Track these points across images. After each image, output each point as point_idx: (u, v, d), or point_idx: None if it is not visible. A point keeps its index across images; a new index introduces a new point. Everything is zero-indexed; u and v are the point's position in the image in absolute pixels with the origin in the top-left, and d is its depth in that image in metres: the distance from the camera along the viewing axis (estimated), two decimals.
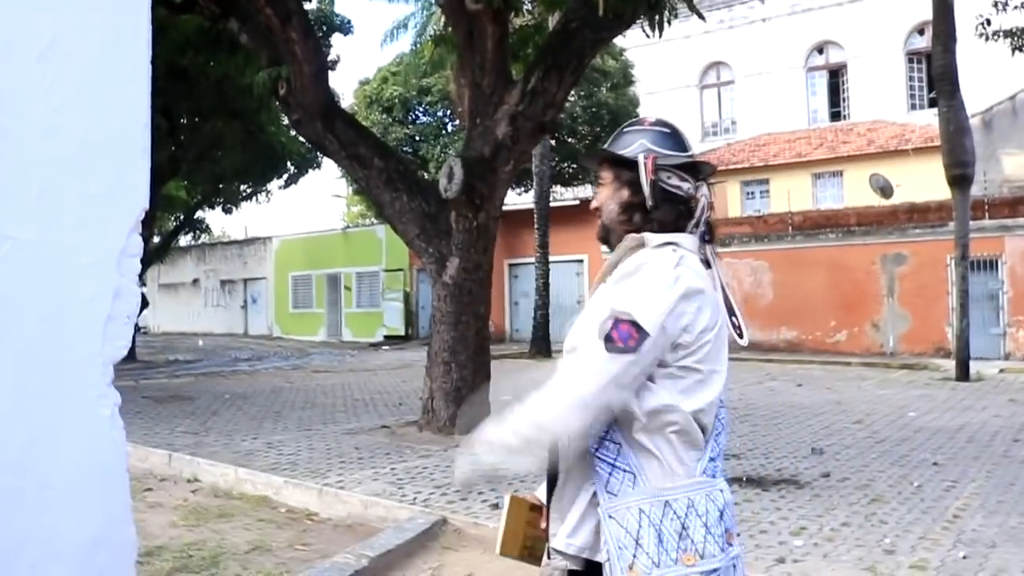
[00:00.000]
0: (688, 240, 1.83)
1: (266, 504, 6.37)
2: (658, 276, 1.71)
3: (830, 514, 5.58)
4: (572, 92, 26.05)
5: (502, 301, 25.16)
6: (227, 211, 24.24)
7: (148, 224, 20.81)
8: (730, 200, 27.13)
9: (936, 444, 8.10)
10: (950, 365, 14.51)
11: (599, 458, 1.76)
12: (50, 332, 2.98)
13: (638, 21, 8.13)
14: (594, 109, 26.32)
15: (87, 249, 3.13)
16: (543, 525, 2.00)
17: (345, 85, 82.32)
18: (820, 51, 32.08)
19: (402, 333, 26.13)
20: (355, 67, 67.02)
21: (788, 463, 7.27)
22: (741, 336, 1.83)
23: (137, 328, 34.21)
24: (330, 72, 20.82)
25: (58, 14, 2.88)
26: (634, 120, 1.99)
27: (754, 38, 32.33)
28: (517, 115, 8.22)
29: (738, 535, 1.87)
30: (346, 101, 26.49)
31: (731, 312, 1.83)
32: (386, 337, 26.41)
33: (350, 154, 8.69)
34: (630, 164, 1.86)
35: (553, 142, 27.63)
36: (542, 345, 19.58)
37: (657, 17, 7.91)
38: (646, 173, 1.82)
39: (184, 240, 35.45)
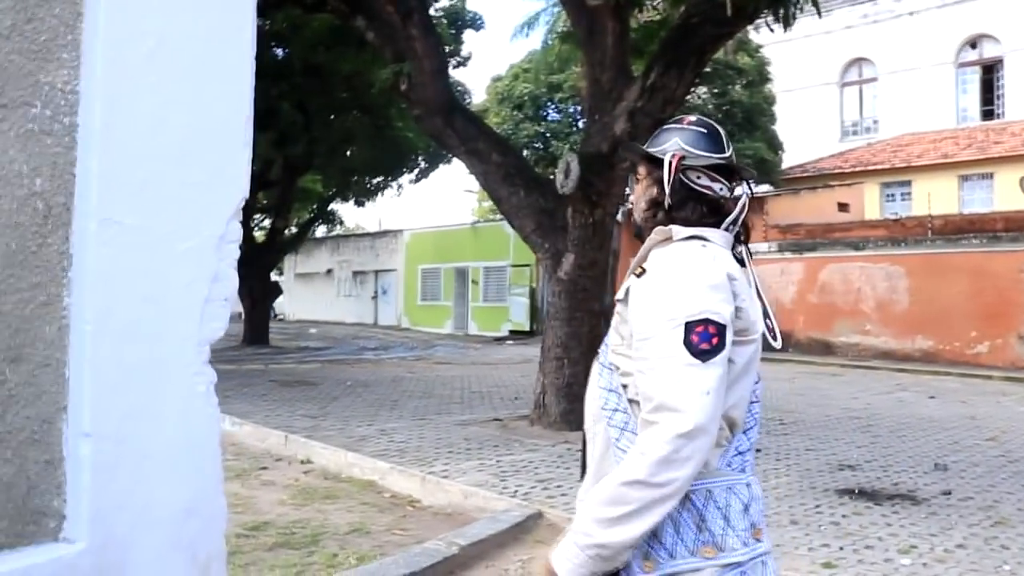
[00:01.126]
0: (717, 235, 1.81)
1: (372, 488, 6.54)
2: (701, 269, 1.68)
3: (946, 534, 5.31)
4: (705, 90, 25.75)
5: None
6: (360, 204, 24.95)
7: (284, 215, 21.68)
8: (868, 202, 26.12)
9: None
10: None
11: (619, 448, 1.73)
12: (150, 312, 3.15)
13: (762, 16, 7.92)
14: (727, 107, 25.72)
15: (187, 235, 3.28)
16: None
17: (477, 81, 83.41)
18: (973, 45, 30.44)
19: (527, 328, 26.29)
20: (488, 63, 67.75)
21: (907, 477, 6.95)
22: (775, 339, 1.81)
23: (273, 314, 35.89)
24: (463, 68, 21.24)
25: (165, 15, 3.04)
26: (675, 119, 1.96)
27: (900, 33, 30.95)
28: (636, 111, 8.15)
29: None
30: (478, 97, 26.84)
31: (764, 314, 1.80)
32: (511, 332, 26.63)
33: (469, 149, 8.82)
34: (662, 162, 1.85)
35: None
36: None
37: (783, 12, 7.68)
38: (669, 172, 1.81)
39: (320, 231, 36.82)
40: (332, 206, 26.39)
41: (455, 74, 21.32)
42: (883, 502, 6.09)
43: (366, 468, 6.90)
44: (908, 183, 26.64)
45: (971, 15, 29.53)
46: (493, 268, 28.32)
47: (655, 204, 1.87)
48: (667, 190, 1.82)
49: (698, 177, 1.83)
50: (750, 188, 1.92)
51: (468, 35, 19.82)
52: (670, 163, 1.81)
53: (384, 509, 5.98)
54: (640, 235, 1.93)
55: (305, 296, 38.52)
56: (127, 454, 2.93)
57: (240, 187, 3.43)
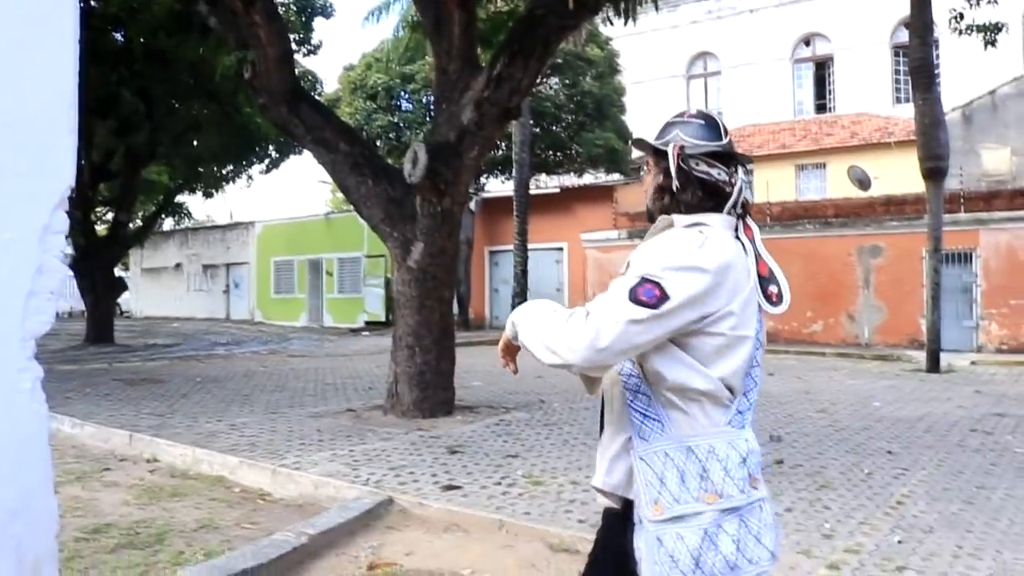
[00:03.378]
0: (717, 219, 2.03)
1: (221, 484, 6.40)
2: (685, 251, 1.88)
3: (775, 500, 5.63)
4: (556, 80, 26.16)
5: (482, 287, 25.22)
6: (208, 195, 24.14)
7: (127, 208, 20.75)
8: None
9: (894, 433, 8.18)
10: (923, 357, 14.63)
11: (632, 408, 1.97)
12: None
13: (603, 9, 8.15)
14: (579, 98, 26.25)
15: (7, 226, 3.17)
16: None
17: (329, 70, 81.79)
18: (807, 43, 32.15)
19: (383, 319, 26.12)
20: (340, 52, 66.45)
21: None
22: (779, 303, 2.03)
23: (120, 312, 34.23)
24: (313, 56, 20.85)
25: None
26: (679, 113, 2.19)
27: (741, 29, 32.37)
28: (483, 101, 8.24)
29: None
30: (330, 86, 26.44)
31: (772, 280, 2.04)
32: (367, 323, 26.42)
33: (315, 138, 8.71)
34: (666, 154, 2.09)
35: (537, 130, 27.65)
36: None
37: (623, 6, 7.93)
38: (673, 161, 2.05)
39: (167, 224, 35.45)
40: (179, 198, 25.44)
41: (305, 63, 20.92)
42: None
43: (215, 464, 6.74)
44: (750, 172, 27.88)
45: (805, 14, 31.19)
46: (348, 259, 28.00)
47: (661, 189, 2.11)
48: (673, 176, 2.06)
49: (697, 164, 2.05)
50: (747, 172, 2.17)
51: (318, 23, 19.47)
52: (674, 153, 2.06)
53: (234, 504, 5.87)
54: (652, 219, 2.15)
55: (153, 292, 37.03)
56: None
57: (65, 176, 3.33)
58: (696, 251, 1.88)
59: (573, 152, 28.04)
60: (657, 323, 1.81)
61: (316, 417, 8.97)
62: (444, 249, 8.78)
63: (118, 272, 24.46)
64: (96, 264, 19.65)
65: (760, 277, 2.01)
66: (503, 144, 23.39)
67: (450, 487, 5.96)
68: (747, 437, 1.95)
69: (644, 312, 1.79)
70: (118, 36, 15.52)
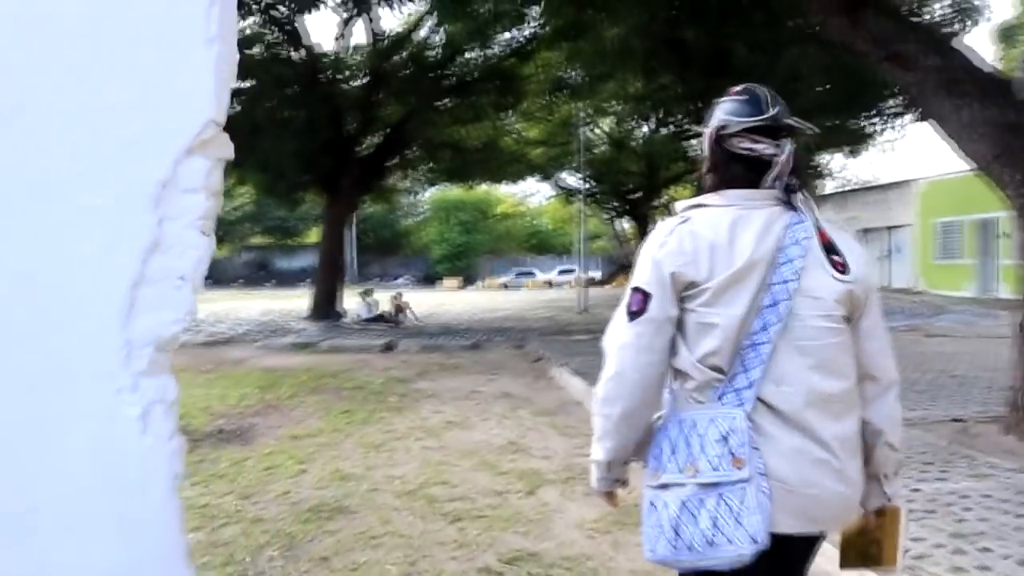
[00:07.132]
0: (729, 195, 2.01)
1: None
2: (652, 243, 2.02)
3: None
4: None
5: None
6: (853, 153, 22.08)
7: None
8: None
9: None
10: None
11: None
12: (27, 298, 2.19)
13: None
14: None
15: (98, 182, 2.24)
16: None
17: None
18: None
19: None
20: None
21: None
22: (844, 272, 1.95)
23: None
24: None
25: None
26: (727, 91, 2.15)
27: None
28: None
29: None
30: (1003, 13, 22.25)
31: (831, 251, 1.96)
32: None
33: (890, 55, 6.47)
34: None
35: None
36: None
37: None
38: (707, 142, 2.13)
39: (830, 187, 34.21)
40: (823, 158, 23.86)
41: None
42: None
43: None
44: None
45: None
46: None
47: (705, 169, 2.17)
48: (705, 155, 2.15)
49: (739, 142, 2.04)
50: (793, 143, 2.03)
51: None
52: (709, 135, 2.13)
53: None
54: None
55: None
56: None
57: (200, 106, 2.29)
58: (665, 236, 1.99)
59: None
60: (651, 322, 1.94)
61: (906, 426, 6.81)
62: None
63: None
64: None
65: (824, 246, 1.96)
66: None
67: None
68: (735, 415, 1.89)
69: (638, 326, 1.95)
70: None
